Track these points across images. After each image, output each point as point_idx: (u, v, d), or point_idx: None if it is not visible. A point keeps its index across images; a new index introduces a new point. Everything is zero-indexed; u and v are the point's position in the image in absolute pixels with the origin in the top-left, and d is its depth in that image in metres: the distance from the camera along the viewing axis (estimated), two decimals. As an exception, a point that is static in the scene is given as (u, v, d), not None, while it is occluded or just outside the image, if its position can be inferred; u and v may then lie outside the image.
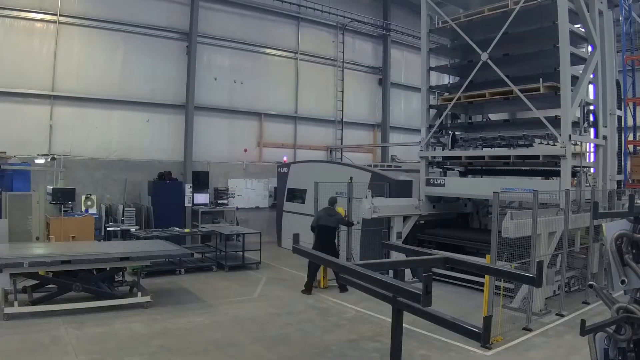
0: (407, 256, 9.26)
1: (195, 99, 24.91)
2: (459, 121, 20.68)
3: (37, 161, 20.47)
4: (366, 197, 17.33)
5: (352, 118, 31.69)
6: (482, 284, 13.76)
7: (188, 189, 24.15)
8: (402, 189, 19.28)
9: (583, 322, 6.48)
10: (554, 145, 15.58)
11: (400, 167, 24.99)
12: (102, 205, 21.98)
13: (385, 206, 17.62)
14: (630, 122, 21.45)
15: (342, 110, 30.79)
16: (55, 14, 21.60)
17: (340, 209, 17.78)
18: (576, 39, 16.52)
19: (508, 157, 16.72)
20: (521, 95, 15.93)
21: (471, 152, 17.90)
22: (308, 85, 29.83)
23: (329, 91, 30.79)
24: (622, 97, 19.81)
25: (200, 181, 24.95)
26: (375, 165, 25.91)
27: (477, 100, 17.89)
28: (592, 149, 18.68)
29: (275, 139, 28.56)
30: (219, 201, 25.36)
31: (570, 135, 14.97)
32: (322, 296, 15.90)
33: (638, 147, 22.79)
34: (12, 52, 20.79)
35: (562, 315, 13.87)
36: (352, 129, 31.80)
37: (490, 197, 13.64)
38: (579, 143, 16.36)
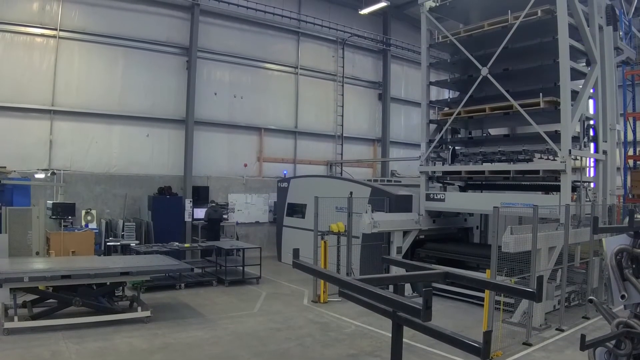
0: (407, 271, 9.26)
1: (195, 113, 24.95)
2: (459, 136, 20.73)
3: (37, 176, 20.48)
4: (366, 212, 17.33)
5: (352, 133, 31.73)
6: (482, 299, 13.73)
7: (188, 203, 24.17)
8: (402, 204, 19.28)
9: (583, 336, 6.48)
10: (554, 160, 15.60)
11: (400, 181, 24.97)
12: (102, 220, 21.99)
13: (385, 221, 17.63)
14: (630, 137, 21.46)
15: (342, 125, 30.85)
16: (55, 29, 21.71)
17: (340, 224, 17.81)
18: (576, 54, 16.56)
19: (508, 172, 16.73)
20: (521, 110, 15.97)
21: (471, 167, 17.93)
22: (308, 100, 29.88)
23: (329, 106, 30.84)
24: (622, 112, 19.85)
25: (200, 196, 24.97)
26: (375, 180, 25.86)
27: (477, 115, 17.93)
28: (592, 164, 18.69)
29: (275, 154, 28.59)
30: (219, 216, 25.28)
31: (570, 150, 14.99)
32: (322, 311, 15.87)
33: (638, 162, 22.81)
34: (12, 67, 20.87)
35: (562, 330, 13.84)
36: (352, 144, 31.83)
37: (490, 212, 13.66)
38: (579, 158, 16.38)
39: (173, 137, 24.86)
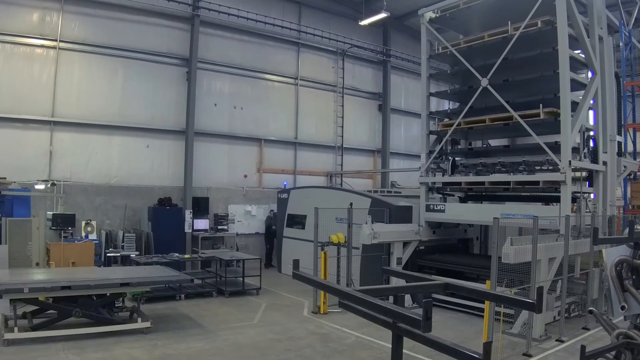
0: (407, 282, 9.26)
1: (195, 124, 24.95)
2: (459, 147, 20.73)
3: (37, 187, 20.48)
4: (366, 223, 17.33)
5: (352, 144, 31.78)
6: (482, 310, 13.74)
7: (188, 214, 24.18)
8: (402, 215, 19.28)
9: (583, 348, 6.47)
10: (554, 171, 15.60)
11: (400, 192, 24.95)
12: (102, 231, 21.97)
13: (385, 232, 17.60)
14: (630, 148, 21.47)
15: (342, 136, 30.90)
16: (55, 40, 21.76)
17: (340, 235, 17.81)
18: (576, 65, 16.59)
19: (508, 183, 16.72)
20: (521, 121, 15.98)
21: (471, 178, 17.91)
22: (308, 111, 29.92)
23: (329, 117, 30.89)
24: (622, 123, 19.85)
25: (200, 207, 24.96)
26: (375, 191, 25.88)
27: (477, 126, 17.92)
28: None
29: (275, 165, 28.61)
30: (219, 227, 25.31)
31: (570, 161, 15.00)
32: (322, 322, 15.84)
33: (638, 173, 22.80)
34: (12, 77, 20.91)
35: (562, 341, 13.81)
36: (352, 155, 31.89)
37: (490, 223, 13.66)
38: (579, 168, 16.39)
39: (173, 148, 24.87)
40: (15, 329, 12.55)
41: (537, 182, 16.04)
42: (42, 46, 21.61)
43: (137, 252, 21.26)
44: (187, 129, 24.80)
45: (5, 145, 20.46)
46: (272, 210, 26.91)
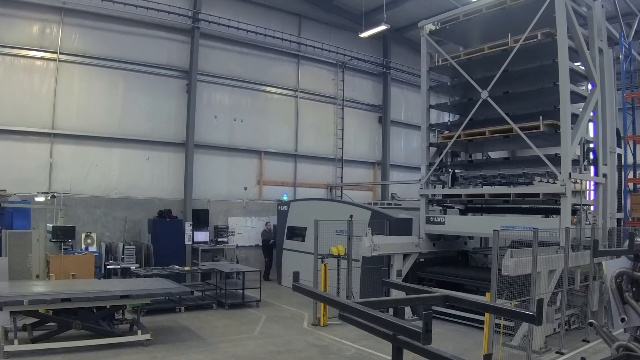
0: (407, 294, 9.25)
1: (195, 136, 24.95)
2: (459, 159, 20.73)
3: (37, 199, 20.45)
4: (366, 235, 17.32)
5: (352, 156, 31.77)
6: (482, 322, 13.71)
7: (188, 227, 24.16)
8: (402, 227, 19.26)
9: (583, 360, 6.45)
10: (554, 183, 15.59)
11: (400, 205, 24.94)
12: (102, 243, 21.94)
13: (385, 244, 17.60)
14: (630, 160, 21.46)
15: (342, 148, 30.89)
16: (56, 52, 21.79)
17: (340, 247, 17.78)
18: (576, 77, 16.61)
19: (508, 195, 16.71)
20: (521, 133, 15.99)
21: (471, 190, 17.92)
22: (308, 123, 29.94)
23: (329, 129, 30.90)
24: (622, 136, 19.86)
25: (200, 219, 24.94)
26: (375, 203, 25.85)
27: (477, 138, 17.94)
28: (592, 187, 18.68)
29: (275, 177, 28.59)
30: (219, 239, 25.29)
31: (570, 173, 14.99)
32: (322, 334, 15.81)
33: (638, 185, 22.80)
34: (12, 90, 20.93)
35: (562, 353, 13.78)
36: (352, 167, 31.85)
37: (490, 235, 13.66)
38: (579, 181, 16.37)
39: (173, 160, 24.87)
40: (15, 341, 12.53)
41: (537, 194, 16.04)
42: (42, 58, 21.64)
43: (137, 264, 21.20)
44: (187, 141, 24.80)
45: (5, 158, 20.48)
46: (267, 223, 26.94)
